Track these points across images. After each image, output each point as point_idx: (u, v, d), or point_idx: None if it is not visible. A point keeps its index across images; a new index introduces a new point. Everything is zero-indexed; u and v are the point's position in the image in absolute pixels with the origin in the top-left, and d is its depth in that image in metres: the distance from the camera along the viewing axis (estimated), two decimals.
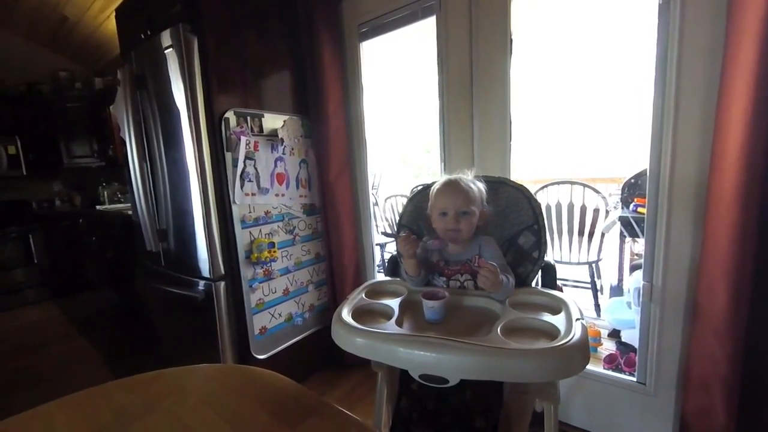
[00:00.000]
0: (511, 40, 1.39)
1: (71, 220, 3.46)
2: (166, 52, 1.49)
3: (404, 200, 2.97)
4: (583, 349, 0.66)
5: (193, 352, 1.81)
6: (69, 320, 2.89)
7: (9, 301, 3.16)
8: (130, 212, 2.31)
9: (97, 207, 3.43)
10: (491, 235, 1.02)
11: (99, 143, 3.65)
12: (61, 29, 3.21)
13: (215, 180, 1.52)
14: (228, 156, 1.51)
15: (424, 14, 1.58)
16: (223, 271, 1.57)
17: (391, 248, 2.99)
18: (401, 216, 1.18)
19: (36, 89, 3.42)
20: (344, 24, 1.80)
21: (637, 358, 1.33)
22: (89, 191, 3.82)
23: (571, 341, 0.65)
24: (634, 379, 1.31)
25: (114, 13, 1.98)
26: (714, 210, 0.99)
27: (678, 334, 1.18)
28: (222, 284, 1.57)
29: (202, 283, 1.61)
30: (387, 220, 3.12)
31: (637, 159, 2.99)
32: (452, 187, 0.98)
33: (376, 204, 3.26)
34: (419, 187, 1.18)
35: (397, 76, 3.35)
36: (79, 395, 0.72)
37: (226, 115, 1.50)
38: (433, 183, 1.05)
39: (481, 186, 1.00)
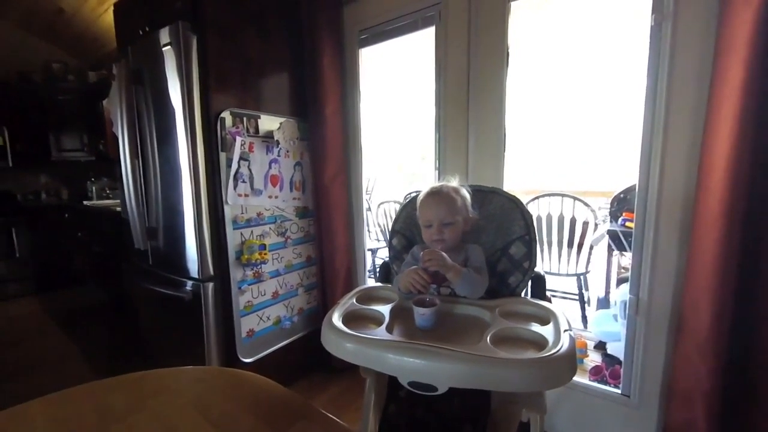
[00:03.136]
0: (508, 53, 1.41)
1: (57, 214, 3.40)
2: (164, 49, 1.48)
3: (397, 206, 2.98)
4: (571, 360, 0.66)
5: (179, 352, 1.78)
6: (51, 316, 2.82)
7: None
8: (118, 208, 2.27)
9: (85, 202, 3.37)
10: (483, 244, 1.03)
11: (89, 137, 3.59)
12: (57, 20, 3.17)
13: (208, 179, 1.51)
14: (222, 156, 1.51)
15: (424, 24, 1.61)
16: (212, 272, 1.55)
17: (383, 254, 2.99)
18: (395, 222, 1.18)
19: (27, 79, 3.36)
20: (345, 30, 1.81)
21: (622, 370, 1.35)
22: (77, 185, 3.76)
23: (559, 352, 0.66)
24: (619, 392, 1.33)
25: (112, 7, 1.96)
26: (700, 226, 1.02)
27: (662, 348, 1.20)
28: (210, 285, 1.55)
29: (190, 283, 1.59)
30: (379, 225, 3.12)
31: (627, 174, 3.05)
32: (435, 198, 0.99)
33: (369, 209, 3.26)
34: (413, 194, 1.19)
35: (395, 82, 3.37)
36: (62, 394, 0.71)
37: (223, 114, 1.50)
38: None
39: (466, 193, 1.01)
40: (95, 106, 3.32)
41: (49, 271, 3.38)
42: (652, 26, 1.13)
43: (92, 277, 3.16)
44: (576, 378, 1.33)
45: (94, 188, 3.66)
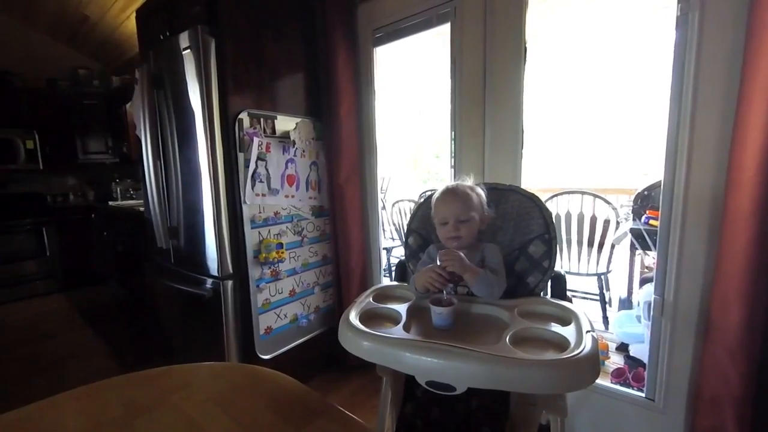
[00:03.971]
0: (526, 48, 1.39)
1: (84, 215, 3.53)
2: (184, 53, 1.52)
3: (412, 205, 2.97)
4: (594, 362, 0.65)
5: (199, 349, 1.82)
6: (78, 312, 2.93)
7: (20, 291, 3.22)
8: (141, 209, 2.34)
9: (110, 202, 3.49)
10: (500, 243, 1.02)
11: (114, 140, 3.71)
12: (82, 27, 3.29)
13: (227, 180, 1.54)
14: (240, 156, 1.53)
15: (439, 21, 1.59)
16: (231, 270, 1.58)
17: (399, 253, 2.98)
18: (410, 221, 1.18)
19: (55, 85, 3.50)
20: (359, 29, 1.81)
21: (646, 373, 1.31)
22: (102, 187, 3.89)
23: (582, 354, 0.65)
24: (643, 395, 1.29)
25: (134, 14, 2.02)
26: (730, 225, 0.98)
27: (689, 351, 1.16)
28: (230, 283, 1.58)
29: (210, 281, 1.63)
30: (394, 224, 3.12)
31: (649, 171, 2.96)
32: (450, 195, 0.99)
33: (384, 208, 3.26)
34: (429, 192, 1.18)
35: (410, 81, 3.36)
36: (90, 387, 0.73)
37: (240, 116, 1.52)
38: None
39: (481, 191, 1.01)
40: (119, 110, 3.43)
41: (75, 269, 3.51)
42: (678, 16, 1.09)
43: (116, 274, 3.27)
44: (597, 380, 1.30)
45: (118, 189, 3.78)
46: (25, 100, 3.30)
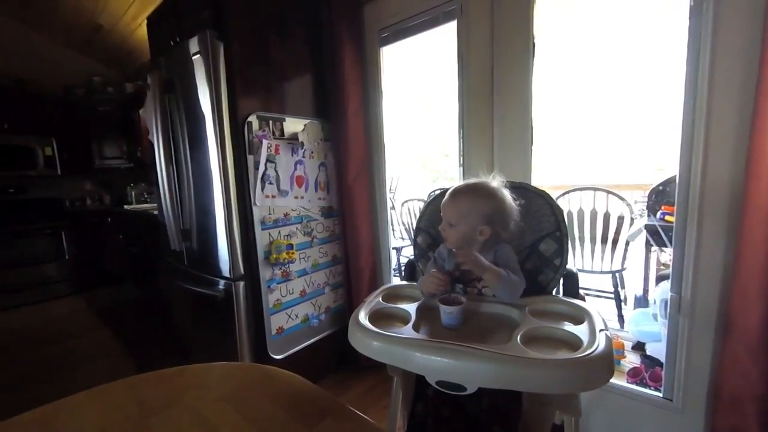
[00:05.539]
0: (534, 43, 1.37)
1: (100, 218, 3.61)
2: (193, 58, 1.54)
3: (421, 204, 2.95)
4: (608, 361, 0.64)
5: (212, 349, 1.85)
6: (95, 314, 3.00)
7: (41, 293, 3.31)
8: (155, 212, 2.38)
9: (125, 206, 3.57)
10: (510, 241, 1.00)
11: (128, 145, 3.79)
12: (95, 36, 3.37)
13: (237, 182, 1.56)
14: (250, 159, 1.55)
15: (446, 18, 1.58)
16: (242, 271, 1.60)
17: (408, 252, 2.98)
18: (419, 219, 1.18)
19: (72, 92, 3.59)
20: (365, 29, 1.82)
21: (663, 372, 1.28)
22: (118, 191, 3.98)
23: (595, 353, 0.63)
24: (660, 395, 1.26)
25: (146, 21, 2.06)
26: (749, 220, 0.95)
27: (708, 349, 1.13)
28: (241, 284, 1.60)
29: (222, 282, 1.65)
30: (403, 224, 3.11)
31: (664, 166, 2.89)
32: (452, 200, 0.95)
33: (393, 208, 3.25)
34: (437, 191, 1.17)
35: (417, 79, 3.35)
36: (107, 387, 0.75)
37: (249, 118, 1.54)
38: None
39: (501, 201, 0.92)
40: (132, 116, 3.51)
41: (92, 272, 3.60)
42: (691, 6, 1.06)
43: (131, 276, 3.34)
44: (613, 380, 1.27)
45: (133, 193, 3.87)
46: (43, 107, 3.39)
